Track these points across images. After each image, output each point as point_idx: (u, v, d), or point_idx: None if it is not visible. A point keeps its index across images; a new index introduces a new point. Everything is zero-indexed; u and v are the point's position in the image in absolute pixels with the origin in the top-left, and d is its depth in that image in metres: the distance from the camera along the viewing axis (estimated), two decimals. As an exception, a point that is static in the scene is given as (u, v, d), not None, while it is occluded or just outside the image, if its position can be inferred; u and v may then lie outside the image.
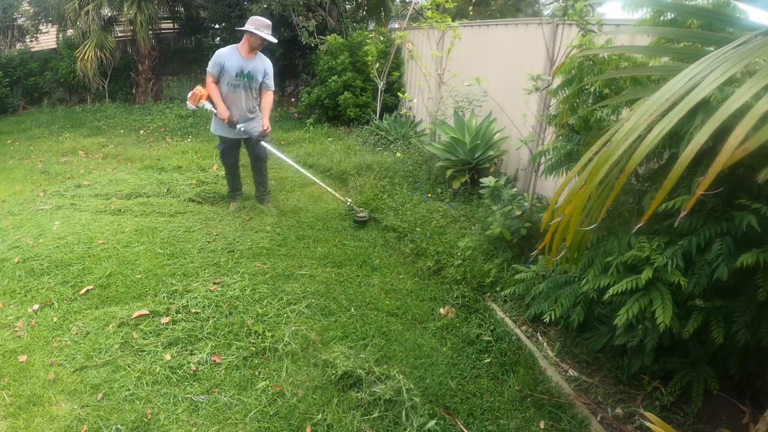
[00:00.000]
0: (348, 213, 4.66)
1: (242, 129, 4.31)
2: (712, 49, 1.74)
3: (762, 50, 1.14)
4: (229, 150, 4.56)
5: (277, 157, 4.70)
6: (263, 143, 4.45)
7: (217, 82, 4.26)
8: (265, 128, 4.38)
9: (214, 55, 4.23)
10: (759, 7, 1.58)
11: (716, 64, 1.15)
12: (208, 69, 4.23)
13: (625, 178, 1.15)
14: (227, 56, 4.20)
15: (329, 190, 4.84)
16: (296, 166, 4.79)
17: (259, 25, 4.13)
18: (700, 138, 0.99)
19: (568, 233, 1.31)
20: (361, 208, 4.62)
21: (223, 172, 4.99)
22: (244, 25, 4.22)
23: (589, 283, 2.37)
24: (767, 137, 0.92)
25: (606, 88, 2.47)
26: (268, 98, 4.43)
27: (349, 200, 4.72)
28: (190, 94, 4.30)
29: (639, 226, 1.24)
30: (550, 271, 2.94)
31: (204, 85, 4.34)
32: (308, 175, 4.92)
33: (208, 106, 4.30)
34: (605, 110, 2.35)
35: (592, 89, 2.48)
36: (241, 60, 4.21)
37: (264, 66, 4.33)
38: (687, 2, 2.25)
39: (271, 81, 4.40)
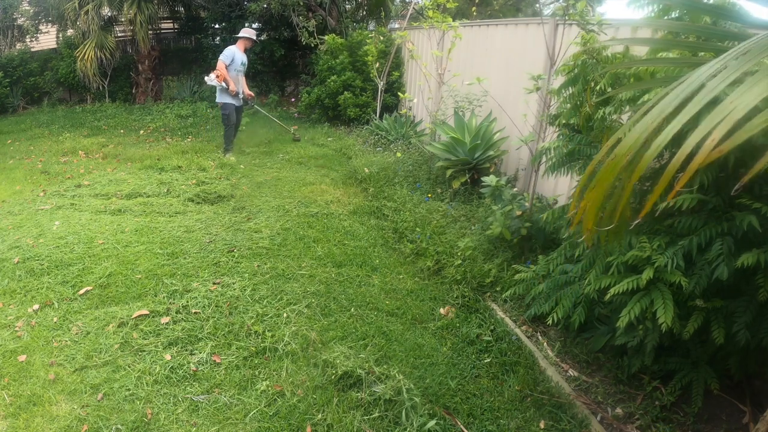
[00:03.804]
0: (293, 138, 7.58)
1: (242, 97, 6.77)
2: (714, 42, 1.74)
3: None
4: (233, 113, 6.67)
5: (262, 114, 8.00)
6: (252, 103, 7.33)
7: (226, 67, 6.42)
8: (251, 96, 7.05)
9: (228, 50, 6.49)
10: (761, 4, 1.57)
11: (723, 65, 1.15)
12: (222, 57, 6.40)
13: (632, 183, 1.16)
14: (236, 51, 6.57)
15: (276, 120, 8.03)
16: (269, 115, 7.95)
17: (251, 34, 6.75)
18: (691, 141, 1.02)
19: (587, 218, 1.32)
20: (298, 134, 7.75)
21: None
22: (242, 30, 6.86)
23: (591, 284, 2.37)
24: (741, 140, 0.95)
25: (609, 87, 2.47)
26: (244, 79, 6.92)
27: (292, 128, 7.91)
28: (214, 75, 6.33)
29: (636, 222, 1.25)
30: (550, 271, 2.94)
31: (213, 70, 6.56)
32: (271, 117, 8.03)
33: (223, 83, 6.43)
34: (608, 108, 2.35)
35: (597, 88, 2.48)
36: (242, 55, 6.68)
37: (248, 60, 6.89)
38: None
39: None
